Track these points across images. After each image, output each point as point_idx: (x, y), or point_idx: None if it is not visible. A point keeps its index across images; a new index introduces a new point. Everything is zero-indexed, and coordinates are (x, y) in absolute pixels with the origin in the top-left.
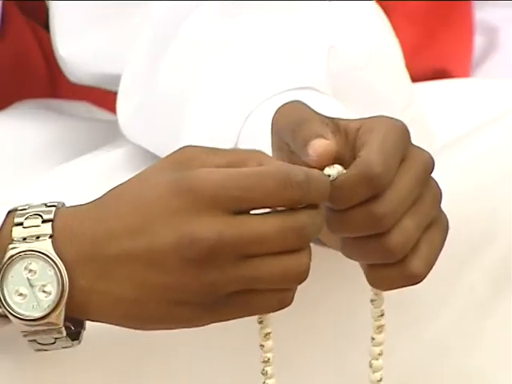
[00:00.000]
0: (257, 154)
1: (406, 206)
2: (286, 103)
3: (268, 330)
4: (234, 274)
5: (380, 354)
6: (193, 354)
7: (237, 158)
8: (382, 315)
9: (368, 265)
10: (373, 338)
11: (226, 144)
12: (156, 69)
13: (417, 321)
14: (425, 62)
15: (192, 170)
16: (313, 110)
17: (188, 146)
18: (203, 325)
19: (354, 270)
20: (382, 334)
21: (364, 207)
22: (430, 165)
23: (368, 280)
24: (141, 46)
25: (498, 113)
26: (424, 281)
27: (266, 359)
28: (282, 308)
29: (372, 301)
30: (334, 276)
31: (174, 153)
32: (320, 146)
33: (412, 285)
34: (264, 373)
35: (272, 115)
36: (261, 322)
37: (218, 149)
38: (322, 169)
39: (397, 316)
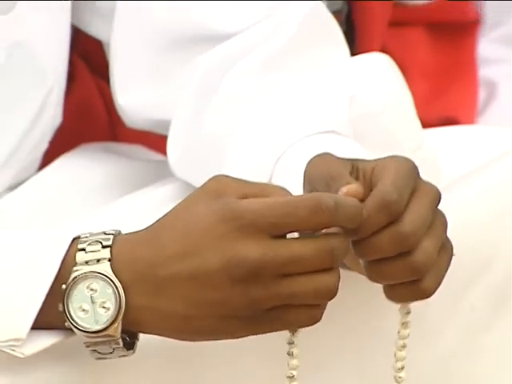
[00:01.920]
0: (278, 188)
1: (424, 227)
2: (318, 155)
3: (296, 344)
4: (275, 290)
5: (403, 347)
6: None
7: (262, 189)
8: (408, 312)
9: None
10: (398, 332)
11: (260, 181)
12: (201, 116)
13: (423, 337)
14: (437, 111)
15: (231, 199)
16: (339, 159)
17: (220, 176)
18: (243, 336)
19: (374, 289)
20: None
21: (389, 230)
22: (438, 196)
23: (388, 297)
24: (188, 95)
25: (498, 154)
26: (429, 301)
27: (291, 374)
28: (313, 324)
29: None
30: (356, 293)
31: (209, 181)
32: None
33: (423, 299)
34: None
35: (301, 155)
36: (292, 336)
37: (246, 180)
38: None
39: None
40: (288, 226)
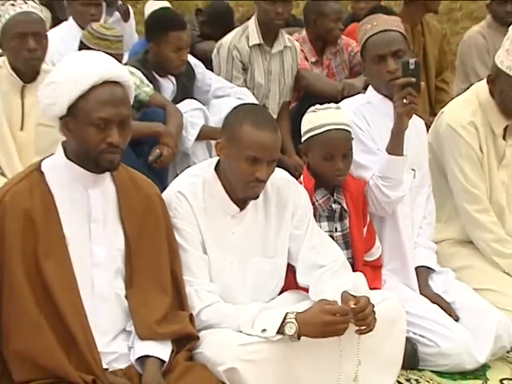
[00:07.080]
0: (336, 303)
1: (371, 313)
2: (343, 292)
3: (341, 340)
4: (332, 329)
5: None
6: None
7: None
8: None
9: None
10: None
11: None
12: (318, 285)
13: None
14: (373, 287)
15: (319, 307)
16: (350, 294)
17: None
18: (325, 337)
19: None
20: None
21: (361, 313)
22: (373, 305)
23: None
24: (314, 279)
25: (385, 297)
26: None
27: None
28: (342, 334)
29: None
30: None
31: (315, 304)
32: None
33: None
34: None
35: (339, 295)
36: (339, 337)
37: (327, 300)
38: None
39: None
40: (331, 314)
